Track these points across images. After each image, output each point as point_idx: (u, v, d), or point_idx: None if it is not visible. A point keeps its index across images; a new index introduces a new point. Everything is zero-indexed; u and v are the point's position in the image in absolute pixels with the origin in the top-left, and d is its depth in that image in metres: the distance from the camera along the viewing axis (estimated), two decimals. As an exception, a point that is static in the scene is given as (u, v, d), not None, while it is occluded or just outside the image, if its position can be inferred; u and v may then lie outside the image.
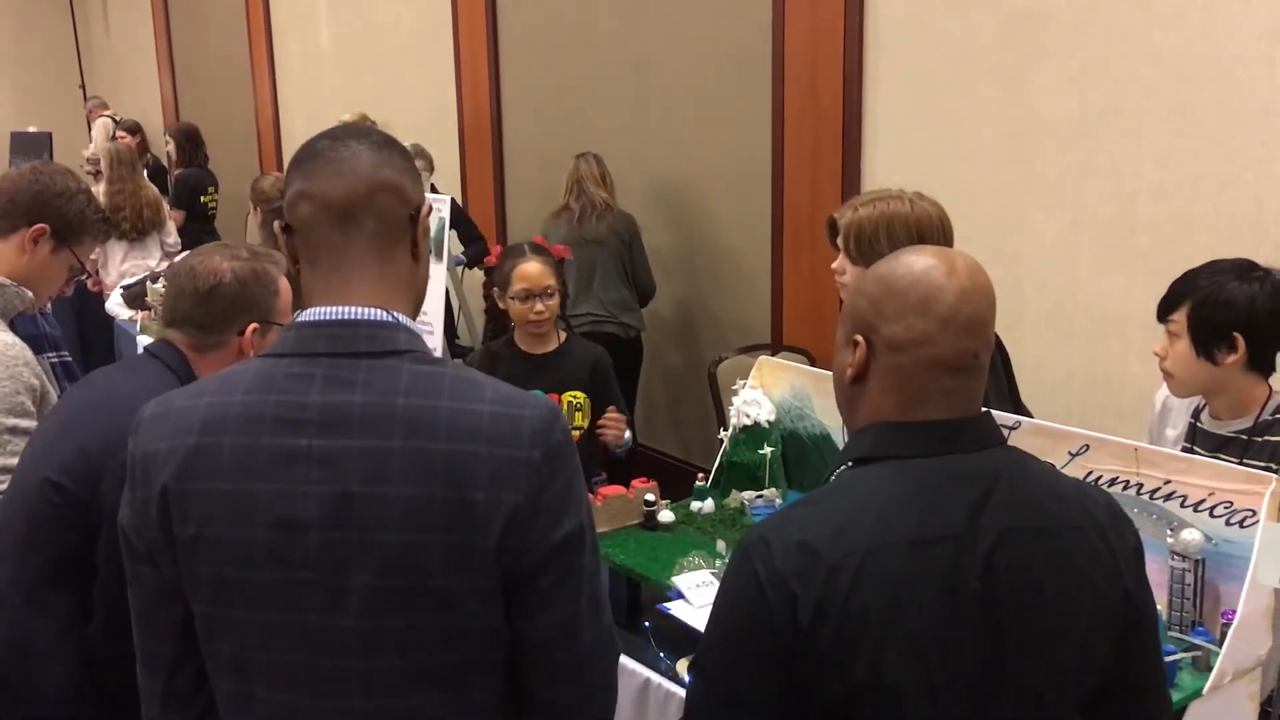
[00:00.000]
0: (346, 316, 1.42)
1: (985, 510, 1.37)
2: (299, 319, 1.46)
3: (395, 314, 1.45)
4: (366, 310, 1.43)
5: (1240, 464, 2.35)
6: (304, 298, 1.48)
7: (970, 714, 1.36)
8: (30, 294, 2.55)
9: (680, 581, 2.48)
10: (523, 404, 1.42)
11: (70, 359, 2.85)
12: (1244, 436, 2.42)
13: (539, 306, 3.37)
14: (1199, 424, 2.54)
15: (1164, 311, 2.45)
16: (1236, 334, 2.34)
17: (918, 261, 1.44)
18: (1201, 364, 2.38)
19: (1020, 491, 1.40)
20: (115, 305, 5.75)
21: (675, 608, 2.41)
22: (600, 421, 3.33)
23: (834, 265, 2.66)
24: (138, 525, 1.45)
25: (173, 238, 6.75)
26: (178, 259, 4.03)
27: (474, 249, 5.90)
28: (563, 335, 3.54)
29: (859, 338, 1.45)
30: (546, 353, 3.48)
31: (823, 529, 1.35)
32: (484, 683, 1.45)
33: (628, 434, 3.40)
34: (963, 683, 1.35)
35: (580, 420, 3.42)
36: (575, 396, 3.41)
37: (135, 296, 5.67)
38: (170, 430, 1.43)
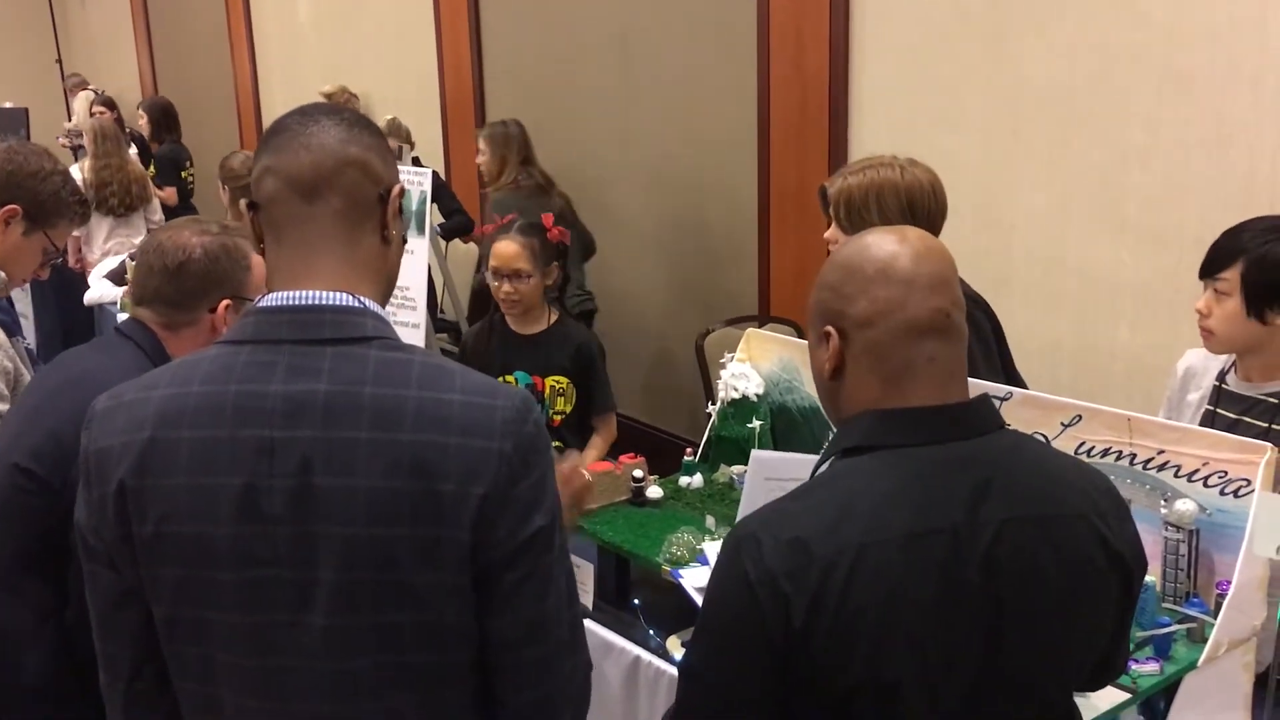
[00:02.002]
0: (310, 302, 1.37)
1: (986, 501, 1.33)
2: (259, 304, 1.40)
3: (361, 298, 1.39)
4: (331, 295, 1.37)
5: (1269, 428, 2.33)
6: (268, 278, 1.43)
7: (969, 707, 1.33)
8: (3, 275, 2.50)
9: (709, 548, 2.43)
10: (494, 394, 1.37)
11: (30, 345, 2.79)
12: (1275, 400, 2.39)
13: (507, 287, 3.32)
14: (1225, 385, 2.50)
15: (1211, 269, 2.42)
16: None
17: (867, 239, 1.43)
18: (1250, 324, 2.37)
19: (1021, 479, 1.36)
20: (97, 294, 5.64)
21: (692, 575, 2.35)
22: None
23: (826, 234, 2.63)
24: (94, 525, 1.39)
25: (158, 215, 6.67)
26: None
27: (454, 221, 5.85)
28: (554, 316, 3.49)
29: (828, 329, 1.41)
30: (534, 333, 3.44)
31: (815, 524, 1.31)
32: (457, 685, 1.40)
33: None
34: (962, 676, 1.32)
35: (562, 405, 3.39)
36: (559, 381, 3.38)
37: (119, 275, 5.58)
38: (123, 425, 1.37)
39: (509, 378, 3.37)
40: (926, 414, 1.36)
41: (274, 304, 1.38)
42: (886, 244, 1.40)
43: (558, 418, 3.40)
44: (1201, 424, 2.45)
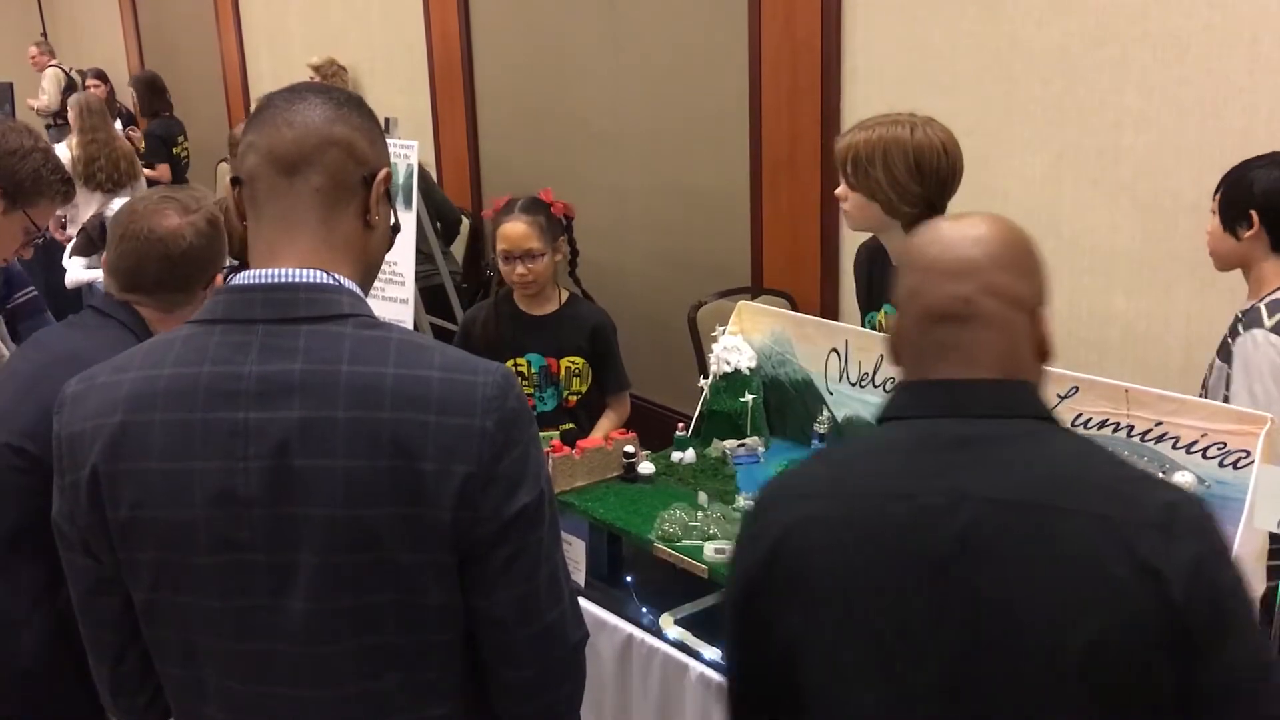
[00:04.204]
0: (284, 279, 1.35)
1: (964, 478, 1.29)
2: (231, 282, 1.38)
3: (337, 276, 1.37)
4: (305, 272, 1.35)
5: (1225, 341, 2.50)
6: (249, 254, 1.41)
7: (947, 694, 1.27)
8: (-20, 256, 2.47)
9: None
10: (474, 370, 1.35)
11: None
12: (1240, 315, 2.49)
13: (520, 269, 3.25)
14: None
15: (1213, 195, 2.63)
16: (1252, 211, 2.48)
17: (938, 222, 1.47)
18: (1227, 239, 2.55)
19: (1025, 466, 1.30)
20: (75, 276, 5.55)
21: None
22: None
23: (837, 191, 2.61)
24: (69, 512, 1.38)
25: (142, 193, 6.60)
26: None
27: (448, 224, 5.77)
28: (565, 296, 3.42)
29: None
30: (545, 314, 3.37)
31: (790, 489, 1.41)
32: (443, 665, 1.39)
33: None
34: (929, 657, 1.27)
35: (578, 385, 3.34)
36: (574, 362, 3.32)
37: (83, 247, 5.47)
38: (94, 408, 1.35)
39: (520, 360, 3.31)
40: (932, 388, 1.37)
41: (246, 282, 1.36)
42: (943, 229, 1.42)
43: (573, 398, 3.35)
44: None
